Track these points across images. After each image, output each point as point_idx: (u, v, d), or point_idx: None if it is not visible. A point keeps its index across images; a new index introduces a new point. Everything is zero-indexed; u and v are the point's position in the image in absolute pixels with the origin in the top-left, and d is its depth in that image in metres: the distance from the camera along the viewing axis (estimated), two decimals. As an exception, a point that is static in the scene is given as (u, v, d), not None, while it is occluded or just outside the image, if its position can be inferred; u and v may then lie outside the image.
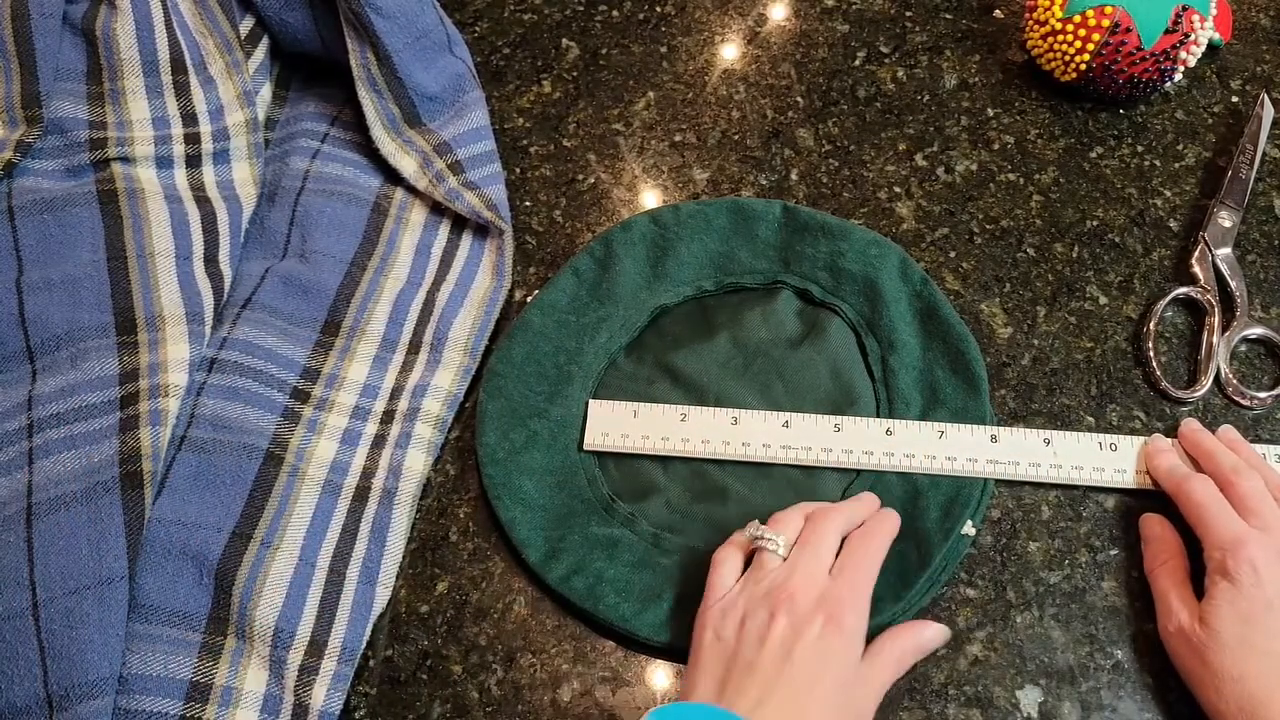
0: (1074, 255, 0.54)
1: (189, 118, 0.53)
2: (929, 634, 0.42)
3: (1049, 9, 0.55)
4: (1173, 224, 0.55)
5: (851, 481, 0.47)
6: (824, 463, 0.48)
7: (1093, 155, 0.57)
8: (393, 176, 0.57)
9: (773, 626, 0.38)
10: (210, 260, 0.50)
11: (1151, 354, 0.50)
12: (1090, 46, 0.54)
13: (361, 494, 0.47)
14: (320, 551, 0.45)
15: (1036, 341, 0.51)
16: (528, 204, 0.58)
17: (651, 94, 0.61)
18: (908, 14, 0.63)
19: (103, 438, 0.43)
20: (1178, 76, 0.55)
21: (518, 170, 0.59)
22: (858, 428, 0.48)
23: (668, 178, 0.58)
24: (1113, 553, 0.46)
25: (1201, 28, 0.53)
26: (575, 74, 0.62)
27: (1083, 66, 0.55)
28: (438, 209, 0.56)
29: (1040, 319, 0.52)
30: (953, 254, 0.54)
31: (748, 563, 0.42)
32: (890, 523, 0.43)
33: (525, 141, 0.60)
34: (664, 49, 0.63)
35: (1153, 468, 0.46)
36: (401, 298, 0.53)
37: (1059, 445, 0.47)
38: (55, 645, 0.39)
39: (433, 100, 0.56)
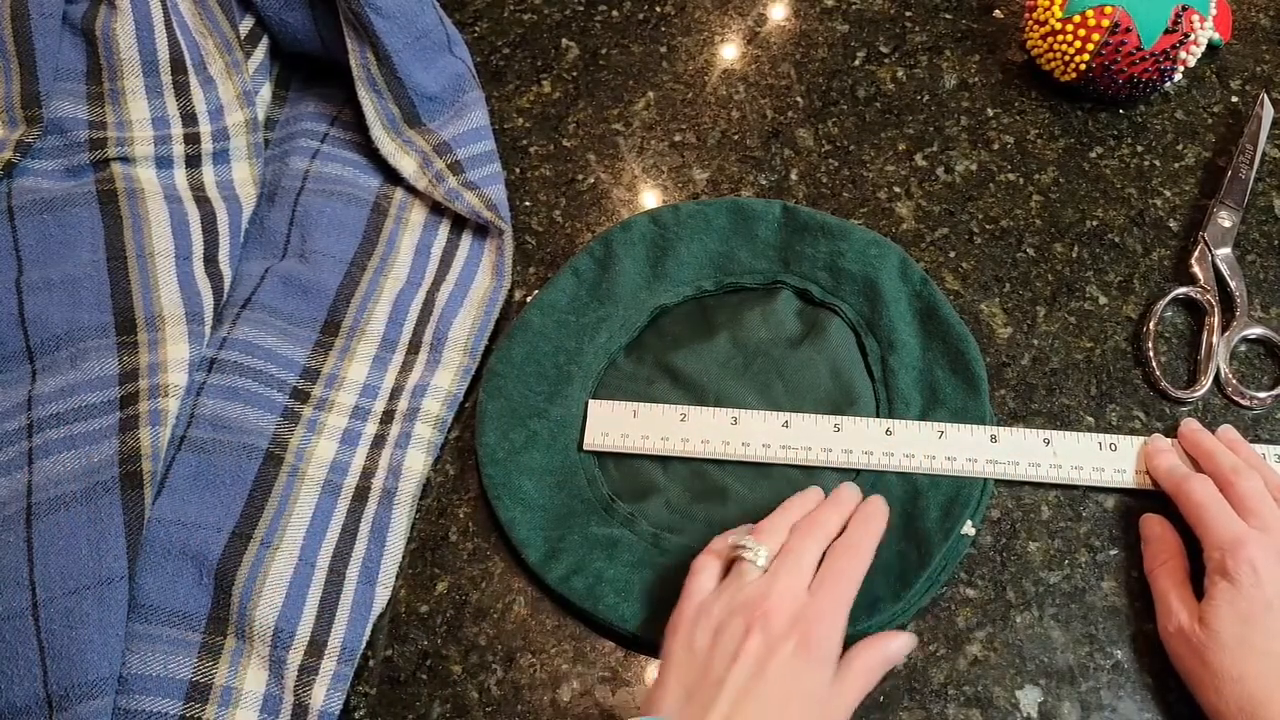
0: (1074, 255, 0.54)
1: (189, 118, 0.53)
2: (895, 645, 0.41)
3: (1049, 9, 0.55)
4: (1173, 224, 0.55)
5: (851, 481, 0.47)
6: (824, 463, 0.48)
7: (1093, 155, 0.57)
8: (393, 176, 0.57)
9: (746, 642, 0.37)
10: (210, 260, 0.50)
11: (1151, 354, 0.50)
12: (1090, 46, 0.54)
13: (361, 494, 0.47)
14: (320, 551, 0.45)
15: (1036, 341, 0.51)
16: (528, 204, 0.58)
17: (651, 94, 0.61)
18: (908, 14, 0.63)
19: (103, 438, 0.43)
20: (1178, 76, 0.55)
21: (518, 170, 0.59)
22: (858, 428, 0.48)
23: (668, 178, 0.58)
24: (1112, 553, 0.46)
25: (1201, 28, 0.53)
26: (575, 74, 0.62)
27: (1083, 66, 0.55)
28: (438, 209, 0.56)
29: (1040, 319, 0.52)
30: (953, 254, 0.54)
31: (727, 571, 0.42)
32: (875, 526, 0.42)
33: (525, 141, 0.60)
34: (664, 49, 0.63)
35: (1152, 468, 0.46)
36: (401, 298, 0.53)
37: (1059, 445, 0.47)
38: (55, 645, 0.39)
39: (432, 100, 0.56)
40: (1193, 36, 0.53)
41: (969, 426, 0.47)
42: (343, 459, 0.48)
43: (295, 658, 0.43)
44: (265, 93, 0.58)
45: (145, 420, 0.44)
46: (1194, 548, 0.43)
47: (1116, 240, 0.54)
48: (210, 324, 0.48)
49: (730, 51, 0.63)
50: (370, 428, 0.49)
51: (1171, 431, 0.48)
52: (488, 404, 0.50)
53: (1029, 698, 0.43)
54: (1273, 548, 0.40)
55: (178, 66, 0.53)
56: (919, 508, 0.46)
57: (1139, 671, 0.43)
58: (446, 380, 0.50)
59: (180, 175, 0.52)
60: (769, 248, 0.53)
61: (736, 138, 0.59)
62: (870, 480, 0.47)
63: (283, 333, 0.50)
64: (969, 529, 0.45)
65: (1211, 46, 0.59)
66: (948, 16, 0.63)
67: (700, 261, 0.53)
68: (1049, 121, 0.58)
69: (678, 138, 0.59)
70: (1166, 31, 0.52)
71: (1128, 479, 0.46)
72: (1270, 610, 0.39)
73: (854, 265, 0.52)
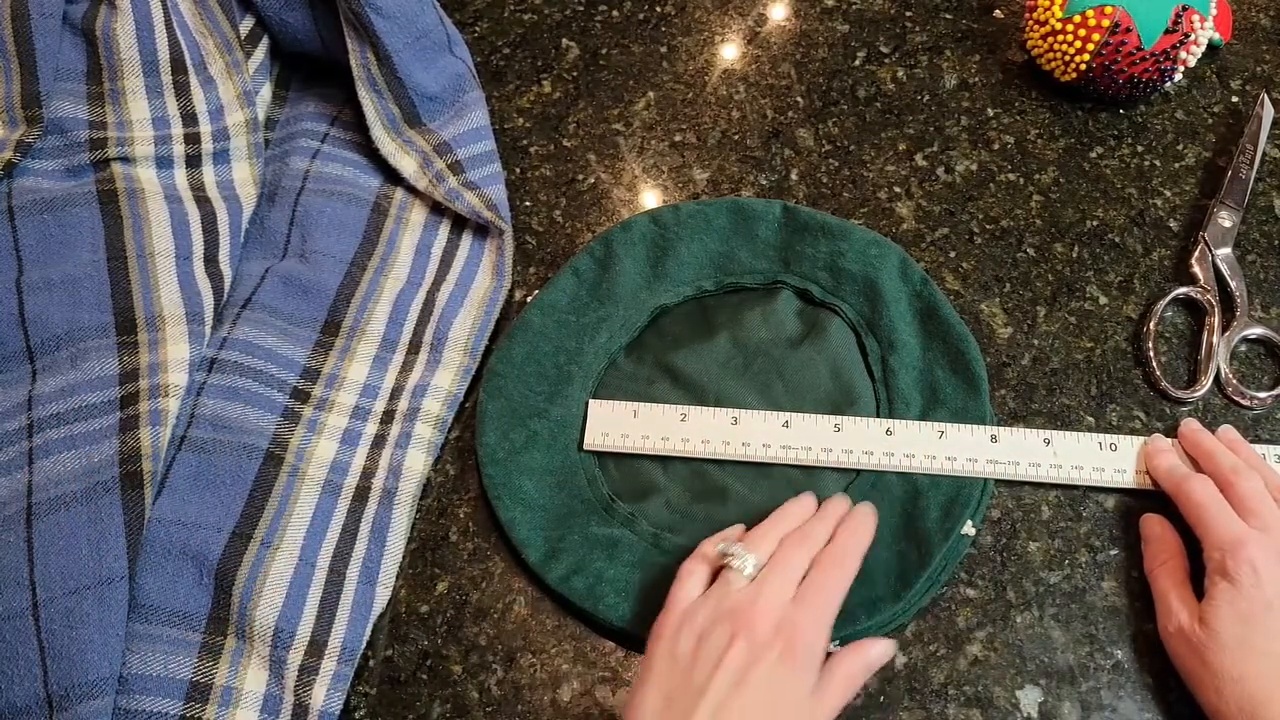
0: (1074, 255, 0.54)
1: (189, 118, 0.53)
2: (875, 652, 0.41)
3: (1049, 9, 0.55)
4: (1173, 224, 0.55)
5: (851, 481, 0.47)
6: (824, 463, 0.48)
7: (1093, 155, 0.57)
8: (393, 176, 0.57)
9: (729, 651, 0.37)
10: (210, 260, 0.50)
11: (1151, 354, 0.50)
12: (1090, 46, 0.54)
13: (361, 494, 0.47)
14: (320, 551, 0.45)
15: (1036, 341, 0.51)
16: (528, 204, 0.58)
17: (651, 94, 0.61)
18: (908, 14, 0.63)
19: (103, 438, 0.43)
20: (1178, 76, 0.55)
21: (518, 170, 0.59)
22: (858, 428, 0.48)
23: (668, 178, 0.58)
24: (1113, 553, 0.46)
25: (1201, 28, 0.53)
26: (575, 74, 0.62)
27: (1083, 66, 0.55)
28: (438, 209, 0.56)
29: (1040, 319, 0.52)
30: (953, 254, 0.54)
31: (714, 577, 0.41)
32: (861, 536, 0.42)
33: (525, 141, 0.60)
34: (664, 49, 0.63)
35: (1152, 468, 0.46)
36: (401, 298, 0.53)
37: (1059, 445, 0.47)
38: (55, 645, 0.39)
39: (433, 100, 0.56)
40: (1193, 36, 0.53)
41: (969, 426, 0.47)
42: (343, 459, 0.48)
43: (295, 658, 0.43)
44: (265, 93, 0.58)
45: (145, 420, 0.44)
46: (1194, 548, 0.43)
47: (1117, 240, 0.54)
48: (210, 324, 0.48)
49: (730, 51, 0.63)
50: (370, 428, 0.49)
51: (1172, 431, 0.48)
52: (488, 404, 0.50)
53: (1029, 698, 0.43)
54: (1273, 548, 0.40)
55: (178, 66, 0.53)
56: (919, 508, 0.46)
57: (1139, 671, 0.43)
58: (447, 380, 0.50)
59: (180, 175, 0.52)
60: (769, 248, 0.53)
61: (737, 138, 0.59)
62: (870, 480, 0.47)
63: (283, 333, 0.50)
64: (969, 529, 0.45)
65: (1212, 46, 0.59)
66: (948, 16, 0.63)
67: (700, 261, 0.53)
68: (1049, 121, 0.58)
69: (678, 138, 0.59)
70: (1167, 31, 0.52)
71: (1128, 479, 0.46)
72: (1270, 610, 0.39)
73: (854, 265, 0.52)
